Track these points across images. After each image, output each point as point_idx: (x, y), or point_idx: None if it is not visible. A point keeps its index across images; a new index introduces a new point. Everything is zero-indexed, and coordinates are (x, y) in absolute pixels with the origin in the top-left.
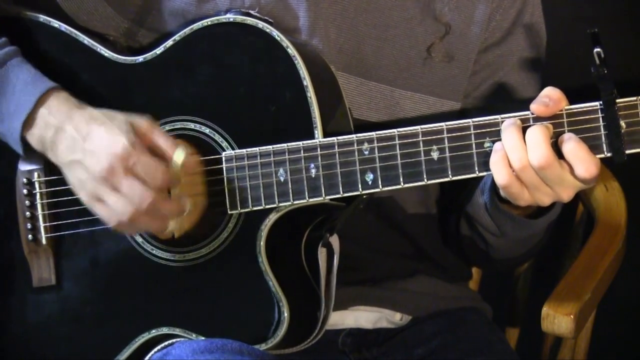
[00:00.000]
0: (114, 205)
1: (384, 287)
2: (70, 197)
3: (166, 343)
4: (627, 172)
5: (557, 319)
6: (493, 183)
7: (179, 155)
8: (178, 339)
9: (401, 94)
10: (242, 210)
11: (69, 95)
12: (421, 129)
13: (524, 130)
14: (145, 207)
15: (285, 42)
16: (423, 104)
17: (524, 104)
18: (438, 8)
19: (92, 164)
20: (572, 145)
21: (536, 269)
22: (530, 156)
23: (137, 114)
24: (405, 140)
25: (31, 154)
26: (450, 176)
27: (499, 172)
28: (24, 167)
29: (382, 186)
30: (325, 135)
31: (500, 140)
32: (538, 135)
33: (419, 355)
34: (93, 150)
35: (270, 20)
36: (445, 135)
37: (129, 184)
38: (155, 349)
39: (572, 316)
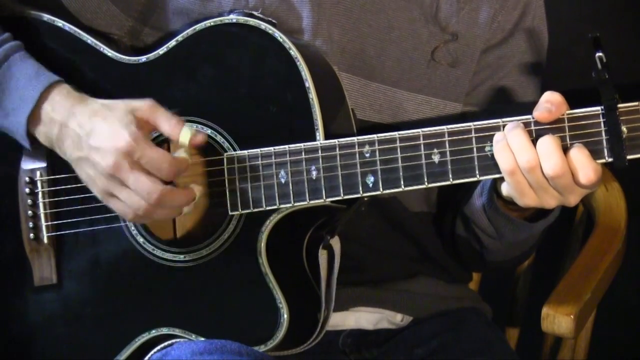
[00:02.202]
0: (126, 201)
1: (385, 288)
2: (72, 197)
3: (166, 344)
4: (627, 173)
5: (557, 319)
6: (492, 185)
7: (184, 135)
8: (177, 340)
9: (404, 95)
10: (243, 212)
11: (71, 88)
12: (422, 132)
13: (531, 137)
14: (154, 200)
15: (288, 44)
16: (426, 105)
17: (522, 107)
18: (444, 19)
19: (98, 161)
20: (573, 151)
21: (536, 269)
22: (544, 166)
23: (138, 99)
24: (407, 143)
25: (34, 152)
26: (451, 179)
27: (505, 159)
28: (26, 165)
29: (383, 189)
30: (328, 136)
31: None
32: (550, 144)
33: (419, 356)
34: (98, 147)
35: (273, 21)
36: (446, 138)
37: (136, 179)
38: (155, 350)
39: (572, 316)
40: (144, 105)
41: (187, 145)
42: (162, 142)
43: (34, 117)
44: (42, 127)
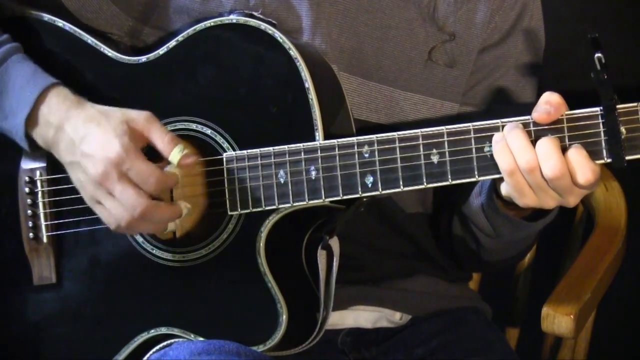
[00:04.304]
0: (111, 210)
1: (384, 286)
2: (71, 196)
3: (164, 343)
4: (627, 172)
5: (557, 319)
6: (492, 184)
7: (175, 154)
8: (176, 340)
9: (401, 94)
10: (242, 211)
11: (69, 91)
12: (421, 132)
13: (530, 138)
14: (138, 213)
15: (288, 44)
16: (423, 105)
17: (519, 107)
18: (442, 18)
19: (88, 167)
20: (571, 152)
21: (536, 269)
22: (543, 167)
23: (136, 110)
24: (406, 144)
25: (34, 151)
26: (450, 180)
27: (505, 159)
28: (26, 165)
29: (382, 189)
30: (327, 137)
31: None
32: (549, 145)
33: (418, 355)
34: (89, 154)
35: (273, 21)
36: (445, 139)
37: (122, 190)
38: (153, 350)
39: (572, 316)
40: (140, 117)
41: (175, 165)
42: None
43: (31, 119)
44: (39, 129)
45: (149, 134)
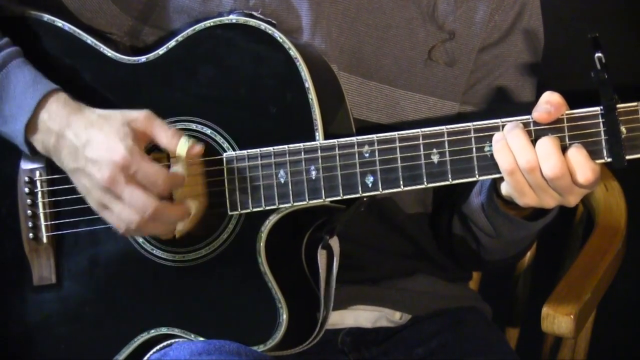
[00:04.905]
0: (119, 214)
1: (384, 286)
2: (71, 196)
3: (164, 343)
4: (627, 172)
5: (557, 319)
6: (492, 184)
7: (182, 146)
8: (176, 340)
9: (401, 94)
10: (242, 212)
11: (68, 97)
12: (422, 132)
13: (530, 137)
14: (148, 215)
15: (288, 44)
16: (423, 104)
17: (519, 106)
18: (441, 17)
19: (94, 172)
20: (571, 151)
21: (536, 269)
22: (543, 167)
23: (136, 110)
24: (406, 143)
25: (35, 155)
26: (450, 179)
27: (505, 158)
28: (25, 165)
29: (382, 189)
30: (327, 136)
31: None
32: (550, 145)
33: (418, 355)
34: (94, 159)
35: (272, 21)
36: (445, 138)
37: (131, 193)
38: (154, 350)
39: (572, 316)
40: (140, 117)
41: (184, 157)
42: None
43: (31, 125)
44: (40, 135)
45: (152, 132)
